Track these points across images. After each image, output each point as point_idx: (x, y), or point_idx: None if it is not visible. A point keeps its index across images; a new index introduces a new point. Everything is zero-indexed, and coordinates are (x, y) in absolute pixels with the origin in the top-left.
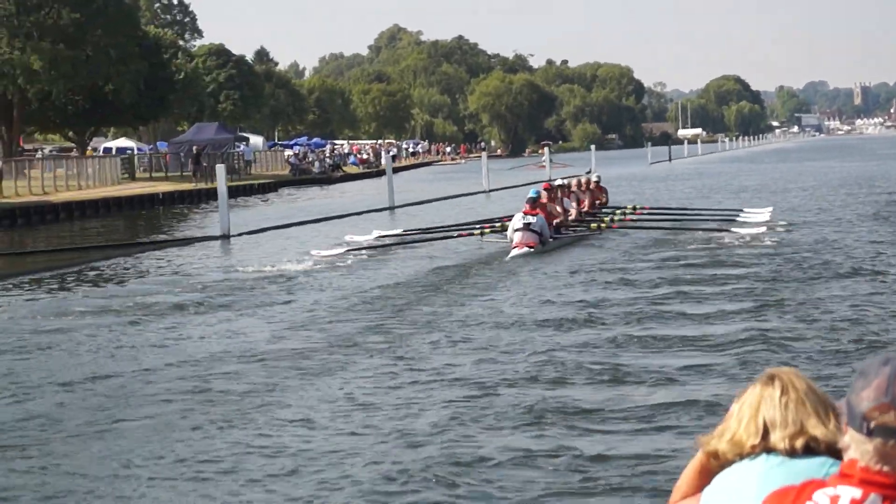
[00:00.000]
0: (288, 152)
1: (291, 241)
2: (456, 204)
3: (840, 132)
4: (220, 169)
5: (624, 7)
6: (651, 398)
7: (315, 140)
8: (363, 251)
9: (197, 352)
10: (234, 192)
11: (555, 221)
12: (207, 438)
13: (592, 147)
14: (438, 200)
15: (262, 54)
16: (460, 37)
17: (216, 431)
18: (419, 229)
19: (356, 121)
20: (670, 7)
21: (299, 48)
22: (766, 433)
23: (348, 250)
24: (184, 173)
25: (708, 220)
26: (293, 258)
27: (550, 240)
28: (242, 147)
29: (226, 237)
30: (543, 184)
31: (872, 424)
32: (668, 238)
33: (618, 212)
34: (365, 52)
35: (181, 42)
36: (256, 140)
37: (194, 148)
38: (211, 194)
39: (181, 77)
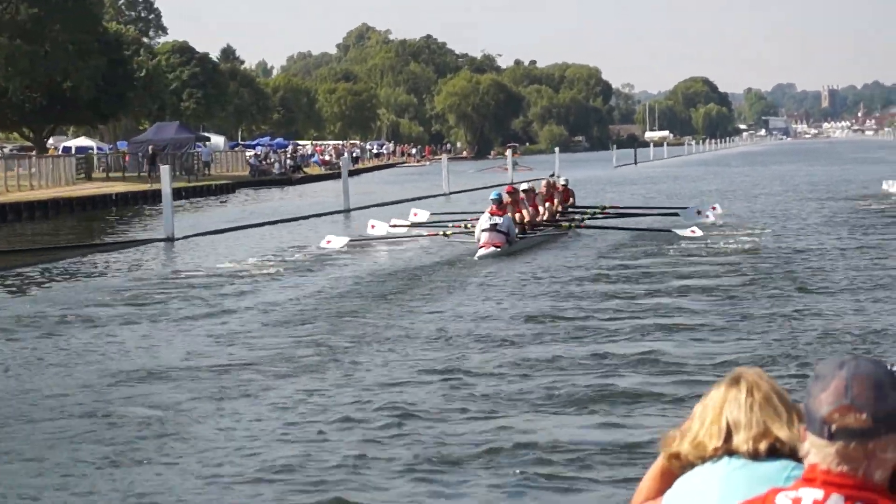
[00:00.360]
0: (249, 153)
1: (238, 244)
2: (413, 207)
3: (807, 135)
4: (165, 170)
5: (593, 8)
6: (612, 398)
7: (278, 140)
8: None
9: (103, 367)
10: (190, 194)
11: (522, 221)
12: (89, 477)
13: (556, 150)
14: (396, 203)
15: (228, 52)
16: (428, 36)
17: (97, 470)
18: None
19: (321, 121)
20: (638, 8)
21: (268, 47)
22: (728, 435)
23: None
24: (141, 174)
25: (672, 218)
26: (236, 261)
27: (517, 240)
28: (200, 147)
29: (170, 240)
30: (507, 186)
31: (834, 427)
32: (634, 237)
33: (588, 212)
34: (333, 51)
35: (145, 39)
36: (218, 140)
37: (150, 148)
38: None
39: (142, 74)
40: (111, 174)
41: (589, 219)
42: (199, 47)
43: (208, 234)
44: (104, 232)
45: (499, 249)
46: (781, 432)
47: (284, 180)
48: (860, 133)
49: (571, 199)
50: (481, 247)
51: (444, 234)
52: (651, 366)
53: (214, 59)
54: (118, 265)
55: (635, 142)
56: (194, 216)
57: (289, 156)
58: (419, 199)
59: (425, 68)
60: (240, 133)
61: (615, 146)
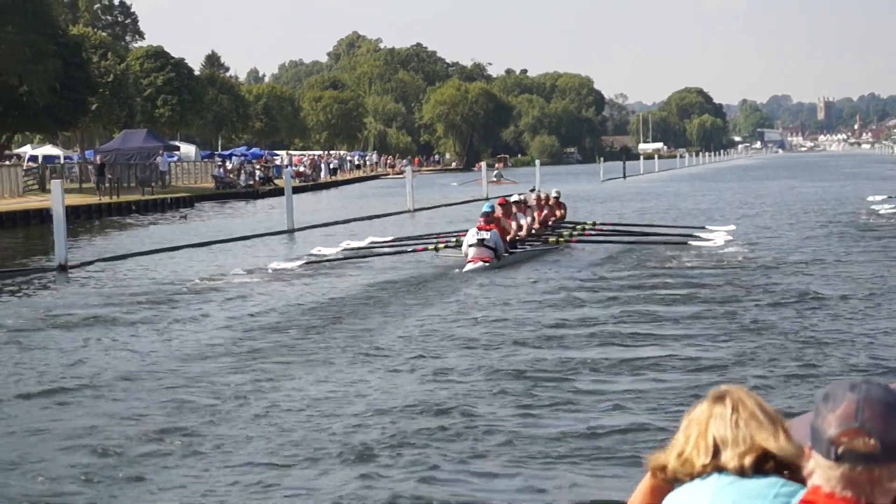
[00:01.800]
0: (218, 162)
1: (149, 271)
2: (371, 226)
3: (803, 148)
4: (56, 185)
5: (586, 18)
6: (599, 417)
7: (253, 150)
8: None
9: None
10: (141, 208)
11: (509, 237)
12: None
13: (537, 163)
14: (349, 222)
15: (212, 59)
16: (418, 44)
17: None
18: (377, 243)
19: (306, 129)
20: (632, 18)
21: (260, 55)
22: (716, 452)
23: (307, 262)
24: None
25: (668, 236)
26: (138, 296)
27: (506, 254)
28: (159, 157)
29: (62, 268)
30: (499, 198)
31: (840, 449)
32: (625, 254)
33: (578, 227)
34: (325, 59)
35: (119, 43)
36: (188, 149)
37: (98, 158)
38: (116, 209)
39: (109, 80)
40: (67, 186)
41: (580, 234)
42: (188, 54)
43: (114, 260)
44: (4, 253)
45: (487, 264)
46: (768, 443)
47: (250, 193)
48: (856, 146)
49: (563, 212)
50: (469, 261)
51: (435, 249)
52: (636, 378)
53: (192, 65)
54: None
55: (628, 153)
56: (116, 238)
57: (256, 167)
58: (380, 216)
59: (414, 76)
60: (220, 142)
61: (603, 159)
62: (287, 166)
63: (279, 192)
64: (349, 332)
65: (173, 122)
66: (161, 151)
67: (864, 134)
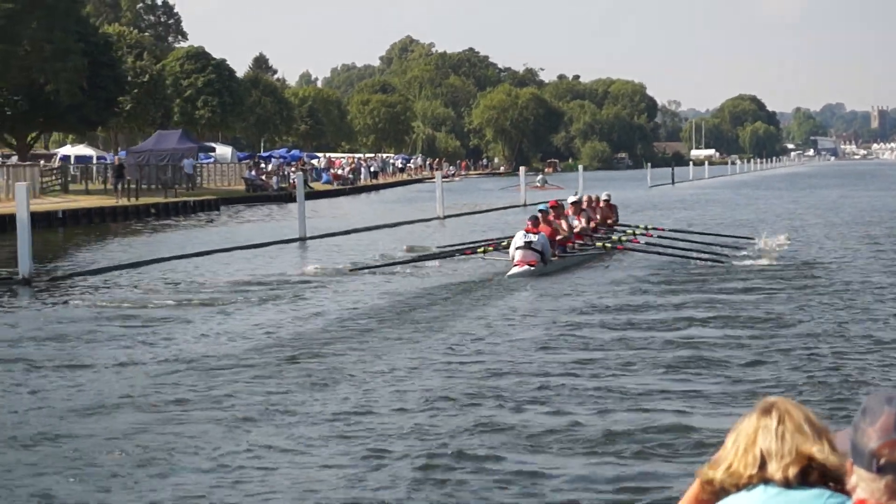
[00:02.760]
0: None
1: (123, 288)
2: (391, 234)
3: (856, 156)
4: (21, 188)
5: (640, 24)
6: (642, 427)
7: (293, 152)
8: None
9: None
10: (164, 212)
11: (558, 238)
12: None
13: (580, 168)
14: (371, 230)
15: (260, 61)
16: (471, 48)
17: None
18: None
19: (352, 132)
20: (687, 25)
21: (313, 59)
22: (763, 463)
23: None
24: (129, 186)
25: (719, 246)
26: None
27: (553, 258)
28: (185, 160)
29: (26, 282)
30: (551, 201)
31: (882, 461)
32: (675, 262)
33: (628, 231)
34: (377, 63)
35: (162, 43)
36: (225, 150)
37: (116, 159)
38: (133, 212)
39: (144, 79)
40: (90, 187)
41: (629, 239)
42: (240, 58)
43: (88, 275)
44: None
45: (533, 268)
46: (813, 450)
47: (283, 196)
48: None
49: (614, 216)
50: (515, 265)
51: (483, 252)
52: (683, 396)
53: (241, 67)
54: None
55: (680, 160)
56: (114, 244)
57: (292, 170)
58: (408, 223)
59: (465, 81)
60: (262, 144)
61: (650, 164)
62: (325, 169)
63: (314, 195)
64: (379, 341)
65: (213, 124)
66: (197, 152)
67: None
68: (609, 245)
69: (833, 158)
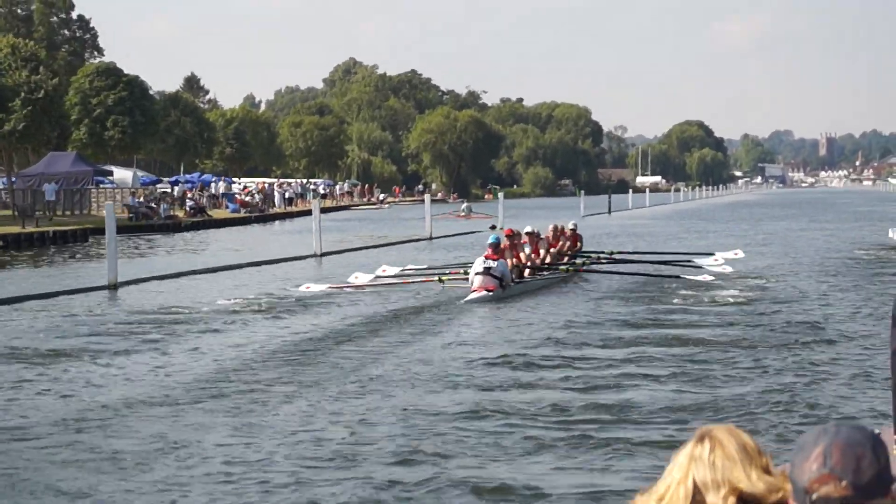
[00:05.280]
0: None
1: None
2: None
3: (804, 184)
4: None
5: (587, 49)
6: (588, 448)
7: (205, 177)
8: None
9: None
10: (16, 244)
11: (520, 265)
12: None
13: (500, 195)
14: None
15: (191, 81)
16: (413, 70)
17: None
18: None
19: (282, 156)
20: (633, 50)
21: (258, 81)
22: (695, 497)
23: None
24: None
25: (678, 264)
26: None
27: (511, 284)
28: (46, 185)
29: None
30: (506, 229)
31: (814, 497)
32: (633, 283)
33: (593, 255)
34: (321, 85)
35: (75, 59)
36: (125, 174)
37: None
38: None
39: (40, 95)
40: None
41: (592, 263)
42: (175, 80)
43: None
44: None
45: (490, 293)
46: (742, 484)
47: (169, 226)
48: (858, 182)
49: (579, 245)
50: (473, 290)
51: (440, 280)
52: (636, 415)
53: (168, 87)
54: None
55: (624, 187)
56: None
57: (188, 196)
58: (272, 261)
59: (405, 104)
60: (182, 167)
61: (582, 192)
62: (224, 195)
63: (212, 224)
64: (330, 365)
65: (124, 145)
66: (92, 176)
67: (865, 171)
68: (571, 269)
69: (781, 186)
